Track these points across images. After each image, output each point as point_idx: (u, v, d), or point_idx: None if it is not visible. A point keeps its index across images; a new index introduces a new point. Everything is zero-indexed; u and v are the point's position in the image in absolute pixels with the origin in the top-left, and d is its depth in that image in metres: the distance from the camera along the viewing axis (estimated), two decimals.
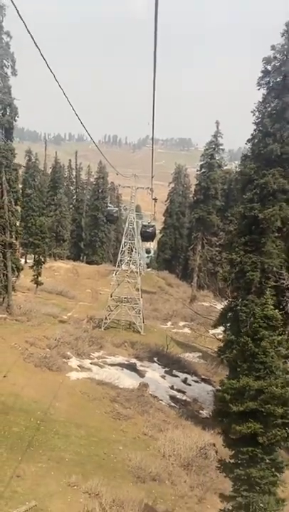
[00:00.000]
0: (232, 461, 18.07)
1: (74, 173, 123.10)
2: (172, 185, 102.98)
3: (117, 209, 62.01)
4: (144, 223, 57.15)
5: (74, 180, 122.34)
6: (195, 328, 54.90)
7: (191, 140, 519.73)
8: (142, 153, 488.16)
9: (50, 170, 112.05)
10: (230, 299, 30.42)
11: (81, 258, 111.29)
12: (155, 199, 52.79)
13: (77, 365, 34.17)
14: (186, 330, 55.40)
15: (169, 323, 57.37)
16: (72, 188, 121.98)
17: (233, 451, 17.99)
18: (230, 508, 17.68)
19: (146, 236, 56.16)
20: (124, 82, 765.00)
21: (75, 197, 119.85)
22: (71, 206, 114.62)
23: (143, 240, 59.71)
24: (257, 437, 16.84)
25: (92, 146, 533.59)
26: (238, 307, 28.56)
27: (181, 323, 57.66)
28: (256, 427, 16.72)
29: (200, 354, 45.72)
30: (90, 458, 23.81)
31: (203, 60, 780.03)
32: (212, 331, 45.04)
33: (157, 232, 71.71)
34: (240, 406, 17.10)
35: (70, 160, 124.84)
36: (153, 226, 54.94)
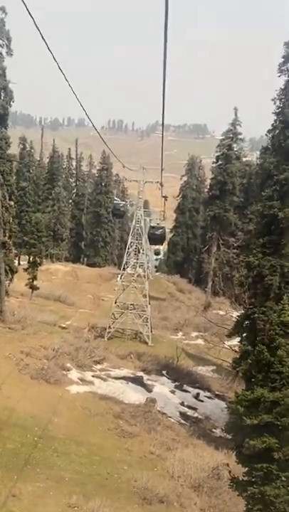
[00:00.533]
0: (245, 478, 19.11)
1: (74, 164, 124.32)
2: (185, 178, 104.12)
3: (124, 203, 62.66)
4: (153, 224, 57.22)
5: (74, 171, 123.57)
6: (209, 338, 55.99)
7: (206, 126, 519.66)
8: (150, 140, 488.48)
9: (48, 160, 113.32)
10: (246, 306, 31.44)
11: (81, 260, 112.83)
12: (165, 197, 52.95)
13: (78, 378, 35.34)
14: (199, 341, 56.63)
15: (179, 334, 58.58)
16: (71, 180, 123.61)
17: (247, 468, 19.05)
18: None
19: (155, 239, 56.24)
20: (131, 59, 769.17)
21: (74, 191, 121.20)
22: (70, 201, 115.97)
23: (151, 243, 59.92)
24: (272, 453, 17.83)
25: (95, 132, 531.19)
26: (256, 315, 29.57)
27: (194, 334, 58.89)
28: (271, 442, 17.73)
29: (214, 368, 46.86)
30: (92, 477, 24.88)
31: (224, 32, 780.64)
32: (228, 342, 46.11)
33: (167, 231, 72.79)
34: (254, 419, 18.15)
35: (69, 149, 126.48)
36: (162, 228, 54.96)
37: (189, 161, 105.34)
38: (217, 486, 25.68)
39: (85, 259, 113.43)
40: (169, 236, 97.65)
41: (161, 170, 43.28)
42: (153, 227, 55.56)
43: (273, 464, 17.92)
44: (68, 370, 35.85)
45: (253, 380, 18.98)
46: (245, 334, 31.51)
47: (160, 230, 54.40)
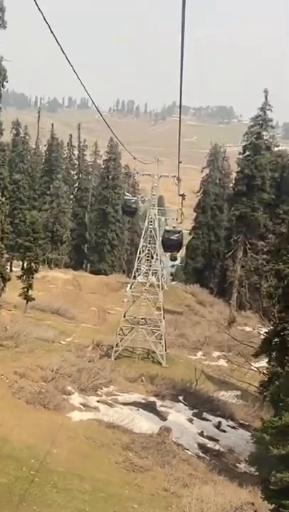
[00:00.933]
0: None
1: (76, 153, 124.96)
2: (206, 171, 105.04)
3: (136, 199, 63.00)
4: (168, 228, 55.84)
5: (76, 162, 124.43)
6: (233, 359, 56.79)
7: (232, 109, 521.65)
8: (166, 125, 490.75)
9: (45, 148, 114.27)
10: (276, 322, 32.21)
11: (84, 266, 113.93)
12: (183, 195, 52.65)
13: (81, 403, 36.21)
14: (222, 362, 57.52)
15: (199, 354, 59.55)
16: (73, 172, 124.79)
17: (273, 506, 19.89)
18: None
19: (170, 245, 54.95)
20: (145, 30, 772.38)
21: (76, 185, 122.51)
22: (71, 197, 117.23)
23: (165, 251, 58.41)
24: None
25: (102, 114, 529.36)
26: (286, 331, 30.37)
27: (215, 354, 59.85)
28: None
29: (238, 393, 47.71)
30: None
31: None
32: (256, 364, 46.88)
33: (185, 234, 73.05)
34: (281, 449, 18.99)
35: (70, 135, 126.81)
36: (179, 232, 53.80)
37: (212, 151, 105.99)
38: None
39: (89, 265, 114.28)
40: (187, 239, 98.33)
41: (179, 163, 43.06)
42: (168, 232, 54.13)
43: None
44: (69, 394, 36.73)
45: (281, 404, 19.81)
46: (274, 353, 32.26)
47: (176, 235, 53.05)
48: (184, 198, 53.28)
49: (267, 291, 32.81)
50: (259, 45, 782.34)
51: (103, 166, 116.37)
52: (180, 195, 52.21)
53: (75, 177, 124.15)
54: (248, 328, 69.62)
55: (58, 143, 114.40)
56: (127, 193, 70.79)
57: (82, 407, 35.98)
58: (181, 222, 55.45)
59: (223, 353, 60.24)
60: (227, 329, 66.03)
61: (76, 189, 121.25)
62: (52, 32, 12.24)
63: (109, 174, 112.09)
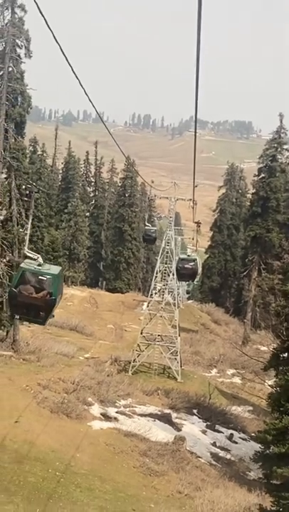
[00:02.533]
0: (273, 508, 23.51)
1: (92, 171, 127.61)
2: (223, 190, 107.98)
3: (155, 228, 66.50)
4: (182, 256, 55.78)
5: (92, 180, 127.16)
6: (247, 377, 60.02)
7: (251, 124, 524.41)
8: (183, 140, 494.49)
9: (62, 165, 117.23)
10: (284, 338, 35.51)
11: (99, 284, 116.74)
12: (198, 223, 53.96)
13: (101, 414, 39.77)
14: (236, 379, 60.70)
15: (214, 371, 62.70)
16: (89, 189, 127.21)
17: (274, 498, 23.45)
18: None
19: (184, 274, 54.51)
20: (162, 42, 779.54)
21: (93, 202, 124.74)
22: (87, 214, 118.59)
23: (180, 279, 58.55)
24: None
25: (116, 129, 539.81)
26: None
27: (230, 372, 63.00)
28: None
29: (250, 408, 51.07)
30: None
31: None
32: (270, 381, 50.04)
33: (201, 251, 75.71)
34: (281, 447, 22.58)
35: (87, 152, 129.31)
36: (194, 260, 53.48)
37: (228, 170, 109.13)
38: None
39: (104, 282, 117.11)
40: (203, 258, 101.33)
41: (194, 187, 44.76)
42: (182, 260, 53.77)
43: None
44: (90, 405, 40.28)
45: (281, 409, 23.40)
46: (281, 368, 35.63)
47: (191, 263, 52.64)
48: (200, 226, 54.98)
49: (275, 310, 36.19)
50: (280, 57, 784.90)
51: (120, 184, 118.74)
52: (195, 222, 53.69)
53: (92, 194, 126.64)
54: (263, 348, 72.17)
55: (74, 160, 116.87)
56: (147, 224, 73.81)
57: (102, 417, 39.44)
58: (196, 251, 57.10)
59: (238, 370, 63.16)
60: (241, 347, 68.77)
61: (92, 206, 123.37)
62: (63, 53, 12.56)
63: (126, 192, 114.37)
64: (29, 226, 24.85)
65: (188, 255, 54.06)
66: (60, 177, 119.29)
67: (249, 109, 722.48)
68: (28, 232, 23.64)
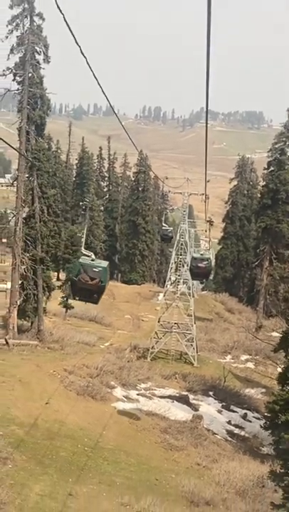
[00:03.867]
0: (282, 470, 26.56)
1: (106, 166, 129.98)
2: (234, 182, 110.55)
3: (171, 229, 69.66)
4: (196, 255, 56.49)
5: (106, 174, 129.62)
6: (261, 362, 62.98)
7: (262, 114, 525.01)
8: (194, 131, 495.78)
9: (76, 161, 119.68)
10: None
11: (115, 276, 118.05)
12: (210, 221, 55.35)
13: (123, 396, 43.09)
14: (250, 365, 63.61)
15: (228, 357, 65.68)
16: (102, 184, 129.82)
17: (283, 461, 26.52)
18: None
19: (198, 273, 56.08)
20: (171, 32, 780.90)
21: (107, 196, 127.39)
22: (102, 208, 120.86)
23: (193, 278, 59.60)
24: None
25: (127, 121, 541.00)
26: None
27: (244, 357, 65.98)
28: None
29: (264, 390, 54.05)
30: (142, 483, 32.41)
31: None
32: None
33: (214, 242, 77.85)
34: (288, 415, 25.60)
35: (100, 148, 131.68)
36: (208, 260, 55.12)
37: (239, 162, 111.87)
38: (261, 494, 33.03)
39: (120, 275, 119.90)
40: (216, 248, 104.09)
41: (206, 182, 45.84)
42: (195, 259, 55.19)
43: None
44: (113, 388, 43.61)
45: (288, 382, 26.45)
46: None
47: (205, 263, 54.09)
48: (212, 224, 57.13)
49: (284, 296, 39.23)
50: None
51: (133, 179, 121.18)
52: (207, 221, 55.38)
53: (105, 189, 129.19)
54: (276, 334, 74.71)
55: (88, 156, 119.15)
56: (164, 224, 77.36)
57: (124, 398, 42.82)
58: (209, 250, 58.11)
59: (251, 356, 65.98)
60: (255, 334, 71.59)
61: (107, 200, 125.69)
62: (79, 46, 12.52)
63: (140, 186, 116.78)
64: (85, 232, 34.88)
65: (202, 254, 55.03)
66: (74, 172, 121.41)
67: (260, 99, 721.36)
68: (84, 236, 32.85)
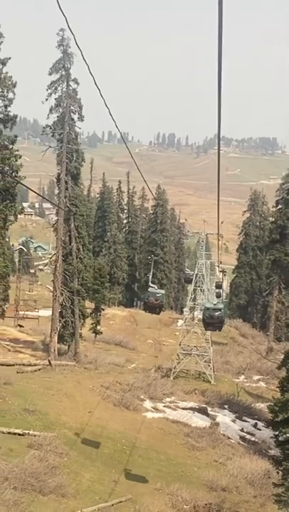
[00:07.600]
0: (282, 457, 34.86)
1: (125, 198, 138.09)
2: (247, 214, 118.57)
3: (192, 272, 77.07)
4: (208, 305, 55.20)
5: (125, 207, 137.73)
6: (271, 382, 70.67)
7: (276, 140, 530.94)
8: (208, 158, 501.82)
9: (98, 195, 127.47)
10: None
11: (134, 303, 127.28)
12: (223, 271, 58.03)
13: (152, 407, 51.56)
14: (261, 384, 71.48)
15: (241, 377, 73.69)
16: (122, 216, 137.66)
17: (281, 450, 34.82)
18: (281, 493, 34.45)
19: (210, 324, 54.08)
20: (187, 61, 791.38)
21: (126, 228, 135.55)
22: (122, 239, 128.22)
23: (206, 329, 58.54)
24: None
25: (142, 149, 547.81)
26: None
27: (256, 377, 74.01)
28: None
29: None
30: (170, 474, 40.73)
31: None
32: None
33: (229, 270, 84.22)
34: (284, 414, 33.92)
35: (119, 181, 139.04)
36: (220, 310, 53.71)
37: (251, 197, 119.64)
38: (268, 482, 41.23)
39: (139, 302, 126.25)
40: (231, 277, 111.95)
41: (219, 223, 50.68)
42: (208, 309, 53.60)
43: None
44: (143, 401, 52.15)
45: (284, 388, 34.83)
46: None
47: (218, 313, 52.63)
48: (225, 274, 64.30)
49: (286, 323, 47.41)
50: None
51: (152, 212, 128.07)
52: (221, 271, 57.71)
53: (125, 221, 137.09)
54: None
55: (109, 191, 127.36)
56: (187, 269, 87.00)
57: (152, 409, 51.31)
58: (221, 298, 55.88)
59: (263, 376, 74.01)
60: (265, 356, 79.35)
61: (126, 231, 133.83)
62: (93, 78, 12.98)
63: (158, 219, 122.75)
64: (150, 275, 47.49)
65: (215, 304, 54.28)
66: (95, 205, 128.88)
67: (274, 125, 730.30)
68: (150, 276, 47.23)
